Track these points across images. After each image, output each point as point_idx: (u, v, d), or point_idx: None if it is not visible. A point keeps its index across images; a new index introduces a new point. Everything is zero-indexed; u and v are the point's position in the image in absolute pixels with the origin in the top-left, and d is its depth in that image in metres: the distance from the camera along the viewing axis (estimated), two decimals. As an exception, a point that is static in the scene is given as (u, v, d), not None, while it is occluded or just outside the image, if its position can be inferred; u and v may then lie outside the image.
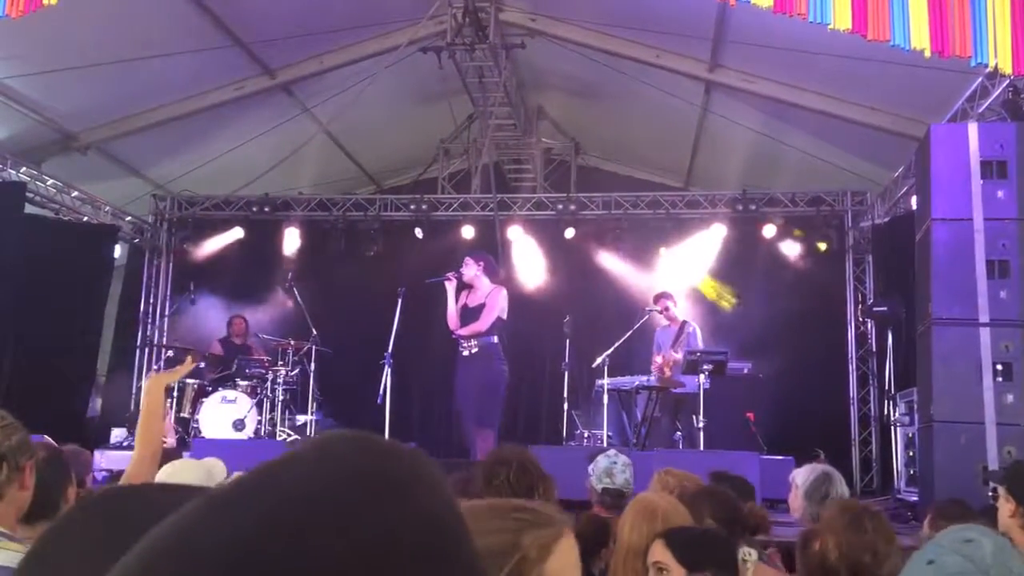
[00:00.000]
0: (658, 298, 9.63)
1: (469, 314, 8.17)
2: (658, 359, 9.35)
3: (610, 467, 4.29)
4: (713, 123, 10.68)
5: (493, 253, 11.03)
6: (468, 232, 11.60)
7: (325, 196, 12.17)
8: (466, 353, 8.18)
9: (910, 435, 8.06)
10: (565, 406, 9.26)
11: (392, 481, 0.60)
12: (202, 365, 9.85)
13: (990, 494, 4.16)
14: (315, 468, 0.60)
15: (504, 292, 8.30)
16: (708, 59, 9.41)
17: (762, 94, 9.59)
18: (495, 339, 8.15)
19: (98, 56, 8.64)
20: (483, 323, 8.07)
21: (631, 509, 2.87)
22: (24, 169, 10.15)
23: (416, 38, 9.56)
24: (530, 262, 11.67)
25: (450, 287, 8.24)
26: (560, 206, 11.65)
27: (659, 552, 2.42)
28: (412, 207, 11.81)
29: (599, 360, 9.09)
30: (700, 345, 9.21)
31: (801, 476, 4.07)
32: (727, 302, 10.93)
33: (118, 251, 11.60)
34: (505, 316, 8.25)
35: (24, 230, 9.68)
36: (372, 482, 0.59)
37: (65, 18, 7.08)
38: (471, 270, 8.29)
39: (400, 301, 8.70)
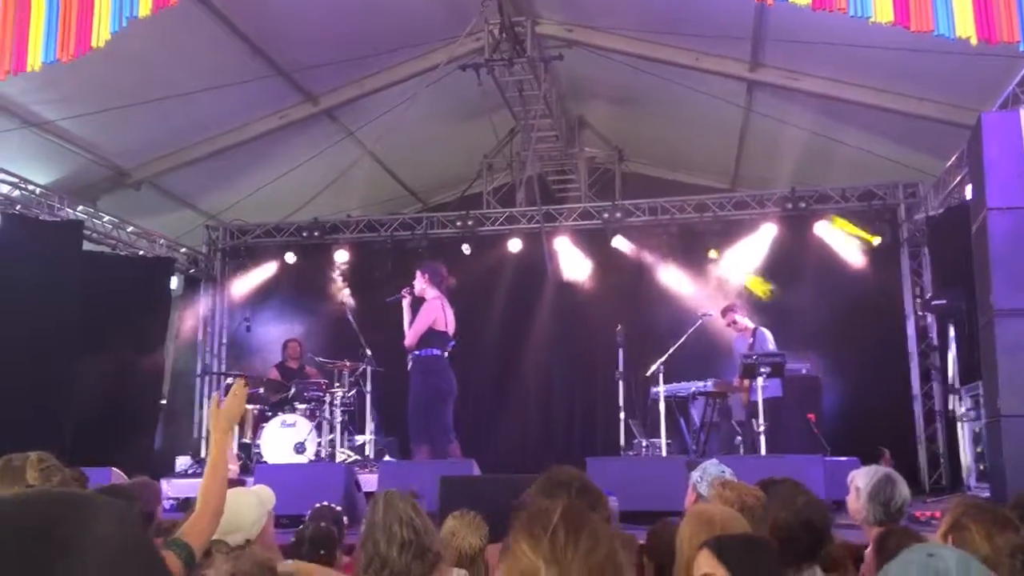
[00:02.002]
0: (724, 312, 9.62)
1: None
2: None
3: (720, 475, 4.24)
4: (757, 122, 10.57)
5: (541, 265, 11.08)
6: (515, 245, 11.62)
7: (373, 217, 12.29)
8: (408, 367, 8.15)
9: (977, 430, 7.88)
10: (621, 415, 9.22)
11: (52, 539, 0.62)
12: (261, 391, 9.99)
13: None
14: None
15: (434, 303, 8.10)
16: (749, 59, 9.33)
17: (806, 91, 9.48)
18: (431, 351, 8.03)
19: (146, 94, 8.85)
20: (410, 337, 8.03)
21: (688, 520, 2.83)
22: (81, 207, 10.42)
23: (454, 56, 9.62)
24: (579, 272, 11.66)
25: (405, 303, 8.22)
26: (606, 214, 11.61)
27: (706, 562, 2.29)
28: (458, 223, 11.88)
29: (653, 368, 9.04)
30: (773, 348, 9.13)
31: (862, 478, 3.99)
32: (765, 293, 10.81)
33: (175, 282, 11.83)
34: (442, 327, 8.08)
35: (83, 267, 9.91)
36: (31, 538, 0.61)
37: (112, 59, 7.25)
38: (418, 283, 8.27)
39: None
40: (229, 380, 10.72)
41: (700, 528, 2.66)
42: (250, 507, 3.04)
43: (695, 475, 4.37)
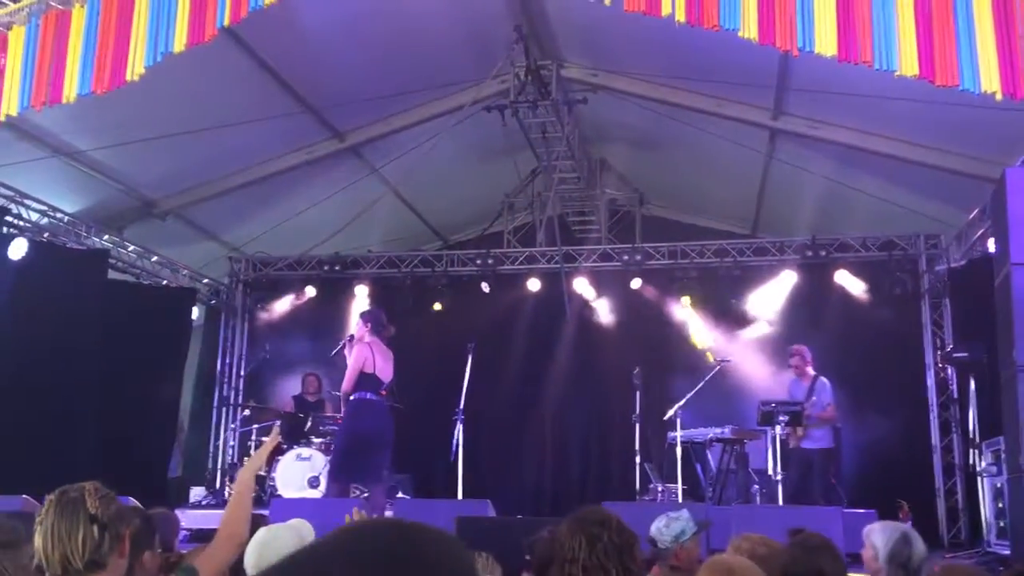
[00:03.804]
0: (792, 353, 9.53)
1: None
2: None
3: (658, 519, 4.42)
4: (779, 170, 10.61)
5: (560, 305, 11.09)
6: (534, 285, 11.66)
7: (393, 253, 12.37)
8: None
9: (998, 485, 7.77)
10: (637, 459, 9.17)
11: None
12: (278, 423, 10.00)
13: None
14: (342, 554, 0.65)
15: (363, 347, 8.23)
16: (771, 107, 9.39)
17: (829, 140, 9.51)
18: (362, 395, 8.14)
19: (176, 126, 9.00)
20: (345, 383, 8.18)
21: (705, 570, 2.84)
22: (107, 237, 10.56)
23: (480, 97, 9.74)
24: (597, 314, 11.67)
25: (347, 352, 8.41)
26: (626, 257, 11.65)
27: None
28: (478, 262, 11.94)
29: (671, 412, 9.01)
30: (830, 399, 9.09)
31: (879, 537, 3.95)
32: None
33: (196, 313, 11.92)
34: (371, 369, 8.18)
35: (107, 296, 10.02)
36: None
37: (144, 91, 7.38)
38: (359, 330, 8.45)
39: (470, 356, 8.78)
40: (247, 412, 10.76)
41: None
42: (291, 545, 3.04)
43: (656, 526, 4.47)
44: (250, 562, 3.02)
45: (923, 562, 3.96)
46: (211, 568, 2.59)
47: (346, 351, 8.43)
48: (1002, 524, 7.60)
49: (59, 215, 9.99)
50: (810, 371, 9.40)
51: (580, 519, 2.94)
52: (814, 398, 9.07)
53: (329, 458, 8.70)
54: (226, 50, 8.11)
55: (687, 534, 4.41)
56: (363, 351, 8.21)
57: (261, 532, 3.16)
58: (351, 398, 8.23)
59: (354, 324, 11.69)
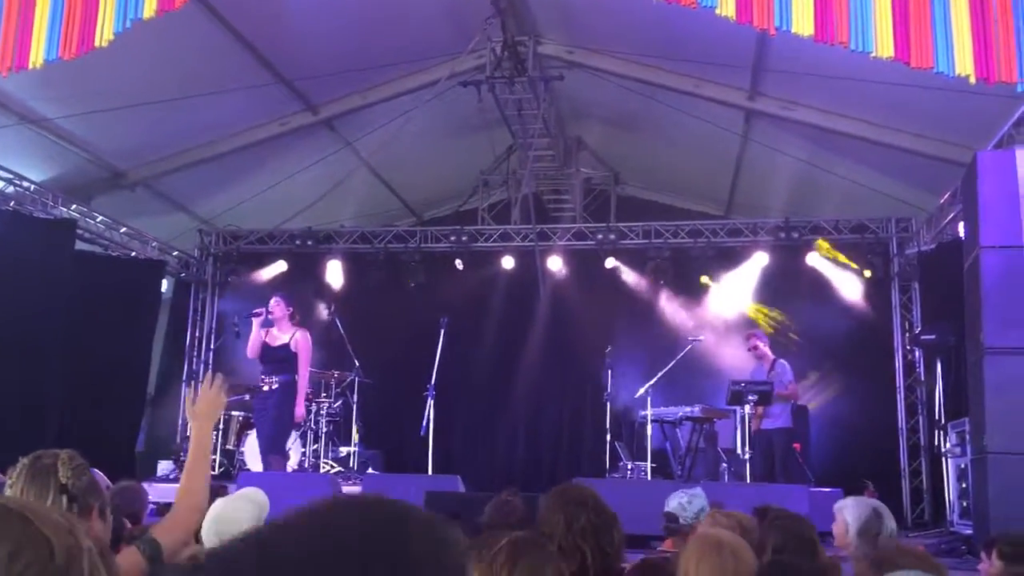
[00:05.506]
0: (748, 337, 9.56)
1: (272, 352, 8.43)
2: None
3: (674, 495, 4.75)
4: (754, 151, 10.62)
5: (533, 283, 11.09)
6: (508, 263, 11.63)
7: (367, 228, 12.29)
8: (266, 388, 8.48)
9: (962, 466, 7.89)
10: (608, 437, 9.21)
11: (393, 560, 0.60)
12: (247, 398, 9.93)
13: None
14: (315, 538, 0.60)
15: (305, 340, 8.46)
16: (748, 88, 9.39)
17: (804, 121, 9.54)
18: (283, 377, 8.34)
19: (146, 95, 8.84)
20: (302, 374, 8.34)
21: (694, 546, 2.82)
22: (74, 207, 10.38)
23: (456, 72, 9.66)
24: (571, 292, 11.67)
25: (256, 321, 8.49)
26: (600, 236, 11.65)
27: None
28: (452, 238, 11.88)
29: (642, 391, 9.04)
30: (791, 378, 9.15)
31: (850, 512, 4.00)
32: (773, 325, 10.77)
33: (165, 285, 11.78)
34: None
35: (74, 266, 9.87)
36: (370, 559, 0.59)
37: (114, 59, 7.24)
38: (279, 311, 8.53)
39: (442, 332, 8.76)
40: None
41: (708, 551, 2.65)
42: (251, 515, 3.02)
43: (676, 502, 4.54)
44: (209, 532, 2.98)
45: (893, 537, 4.01)
46: (173, 540, 2.53)
47: (256, 321, 8.44)
48: (965, 504, 7.72)
49: (25, 184, 9.80)
50: (769, 354, 9.47)
51: (561, 497, 2.92)
52: (775, 378, 9.14)
53: (267, 435, 8.74)
54: (198, 19, 7.98)
55: (706, 511, 4.52)
56: (309, 341, 8.45)
57: (218, 504, 3.13)
58: (286, 378, 8.25)
59: (327, 301, 11.72)
